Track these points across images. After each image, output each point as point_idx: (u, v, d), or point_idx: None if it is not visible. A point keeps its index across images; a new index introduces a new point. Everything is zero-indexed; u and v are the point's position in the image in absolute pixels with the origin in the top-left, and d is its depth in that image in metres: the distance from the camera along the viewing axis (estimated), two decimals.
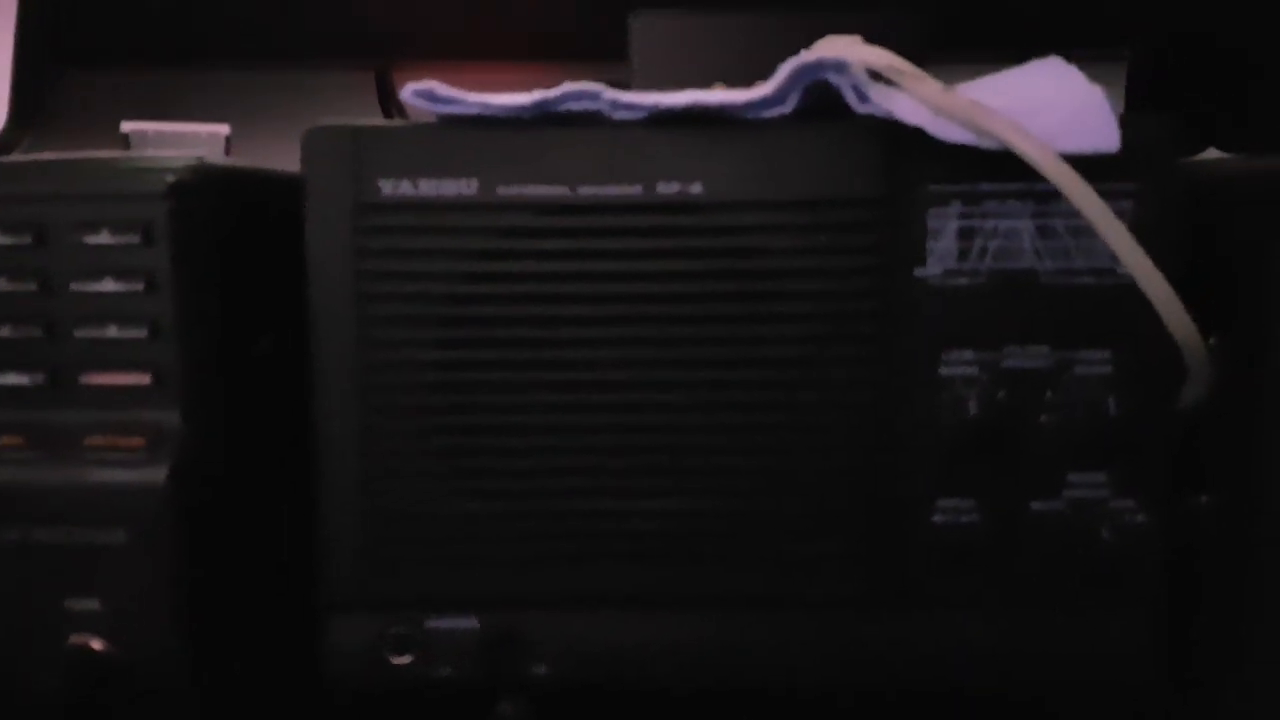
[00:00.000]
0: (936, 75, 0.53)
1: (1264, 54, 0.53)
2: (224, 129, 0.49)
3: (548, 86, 0.39)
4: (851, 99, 0.39)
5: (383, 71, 0.81)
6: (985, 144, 0.37)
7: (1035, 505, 0.40)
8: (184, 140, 0.49)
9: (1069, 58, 0.81)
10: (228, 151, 0.50)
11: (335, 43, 0.75)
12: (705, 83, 0.53)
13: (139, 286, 0.38)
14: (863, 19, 0.52)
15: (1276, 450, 0.39)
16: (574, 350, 0.40)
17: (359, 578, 0.42)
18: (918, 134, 0.38)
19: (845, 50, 0.44)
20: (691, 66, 0.53)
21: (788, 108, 0.40)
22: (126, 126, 0.49)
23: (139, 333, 0.39)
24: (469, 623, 0.42)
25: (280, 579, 0.44)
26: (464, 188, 0.39)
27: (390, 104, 0.82)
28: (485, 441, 0.40)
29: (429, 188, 0.39)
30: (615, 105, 0.39)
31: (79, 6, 0.64)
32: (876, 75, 0.41)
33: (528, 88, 0.40)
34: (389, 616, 0.42)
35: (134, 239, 0.38)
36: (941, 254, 0.40)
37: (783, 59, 0.41)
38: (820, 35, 0.49)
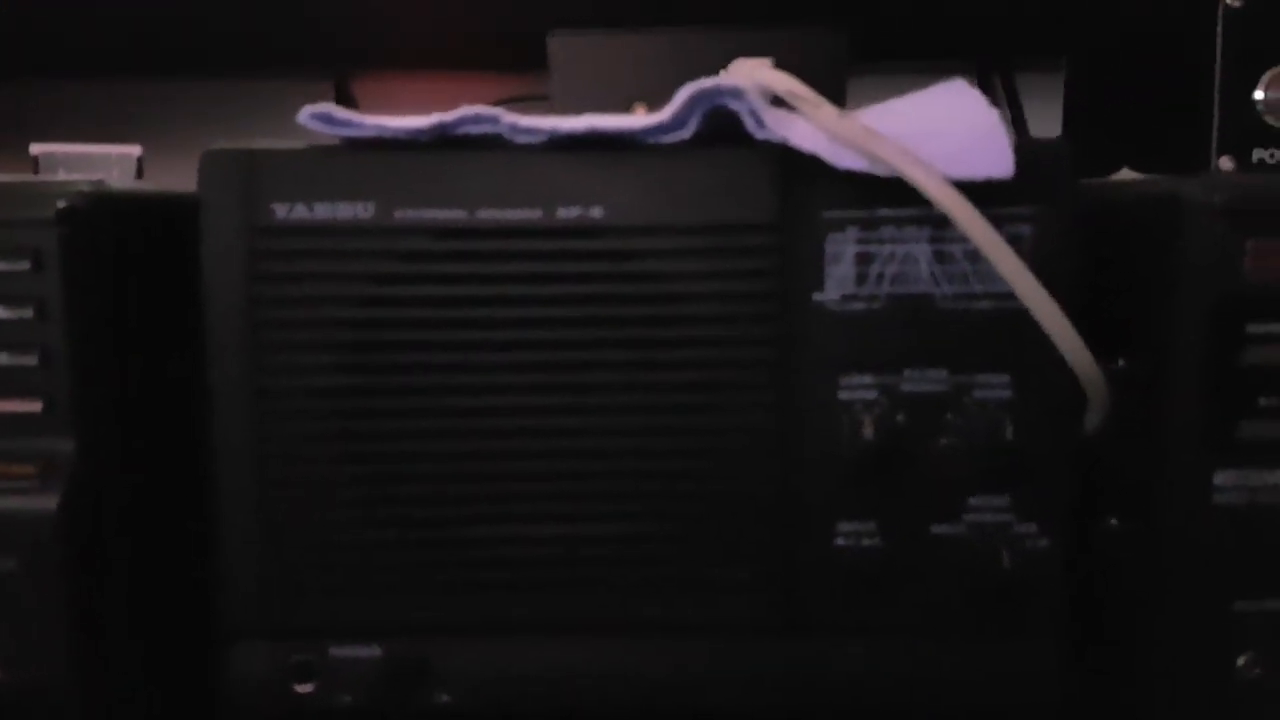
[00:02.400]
0: (864, 87, 0.53)
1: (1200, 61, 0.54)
2: (135, 150, 0.49)
3: (506, 96, 0.39)
4: (750, 125, 0.39)
5: (341, 82, 0.81)
6: (879, 170, 0.37)
7: (936, 529, 0.40)
8: (94, 162, 0.49)
9: (1005, 67, 0.82)
10: (140, 173, 0.50)
11: (293, 54, 0.75)
12: (625, 101, 0.53)
13: (29, 314, 0.38)
14: (783, 36, 0.53)
15: (1179, 472, 0.39)
16: (474, 376, 0.40)
17: (260, 605, 0.41)
18: (815, 160, 0.38)
19: (751, 73, 0.45)
20: (611, 85, 0.53)
21: (687, 133, 0.40)
22: (35, 149, 0.48)
23: (29, 360, 0.38)
24: (372, 651, 0.41)
25: (181, 606, 0.43)
26: (360, 211, 0.39)
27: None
28: (385, 468, 0.40)
29: (324, 211, 0.39)
30: (515, 129, 0.39)
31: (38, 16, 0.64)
32: (780, 100, 0.42)
33: (486, 98, 0.39)
34: (291, 644, 0.41)
35: (24, 265, 0.38)
36: (839, 279, 0.40)
37: (701, 76, 0.41)
38: (740, 53, 0.49)
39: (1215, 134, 0.53)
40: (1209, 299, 0.38)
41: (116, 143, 0.54)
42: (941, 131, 0.38)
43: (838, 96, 0.52)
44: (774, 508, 0.41)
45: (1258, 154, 0.53)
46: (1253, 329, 0.38)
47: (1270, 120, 0.53)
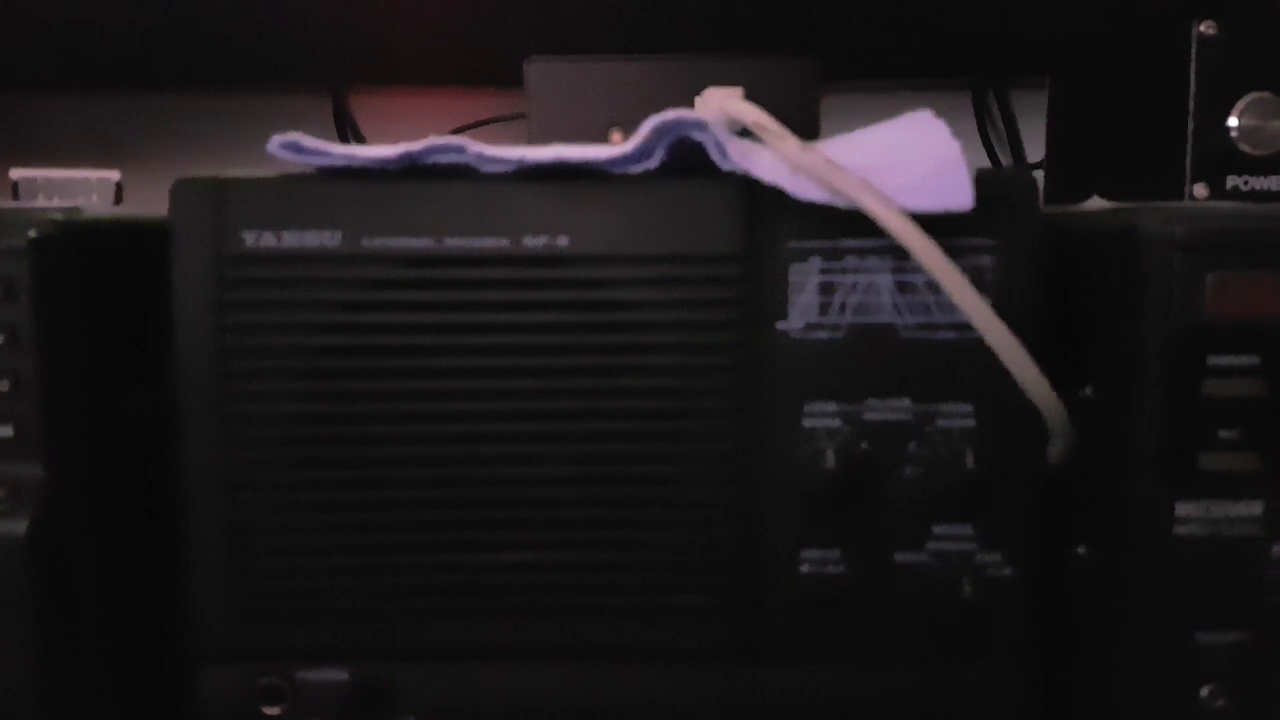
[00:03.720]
0: (839, 106, 0.53)
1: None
2: (114, 174, 0.50)
3: (503, 112, 0.39)
4: (715, 156, 0.40)
5: (339, 96, 0.82)
6: (840, 203, 0.38)
7: (900, 557, 0.41)
8: (73, 187, 0.49)
9: (1000, 86, 0.82)
10: (120, 197, 0.50)
11: (290, 67, 0.76)
12: (601, 127, 0.54)
13: (0, 340, 0.38)
14: (756, 64, 0.53)
15: (1140, 502, 0.39)
16: (440, 403, 0.40)
17: (229, 628, 0.41)
18: (779, 190, 0.39)
19: (720, 103, 0.45)
20: (587, 111, 0.53)
21: (654, 163, 0.40)
22: (15, 174, 0.49)
23: (1, 386, 0.38)
24: (338, 674, 0.42)
25: (150, 630, 0.44)
26: (327, 239, 0.39)
27: (346, 128, 0.82)
28: (351, 494, 0.40)
29: (292, 239, 0.39)
30: (482, 158, 0.40)
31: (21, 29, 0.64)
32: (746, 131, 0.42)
33: (482, 113, 0.40)
34: (259, 667, 0.42)
35: None
36: (803, 308, 0.40)
37: (676, 103, 0.41)
38: (715, 81, 0.49)
39: (1189, 161, 0.53)
40: (1169, 331, 0.38)
41: (108, 160, 0.55)
42: (903, 163, 0.39)
43: (810, 123, 0.52)
44: (738, 535, 0.41)
45: (1232, 181, 0.53)
46: (1213, 361, 0.38)
47: (1244, 147, 0.53)
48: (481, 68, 0.71)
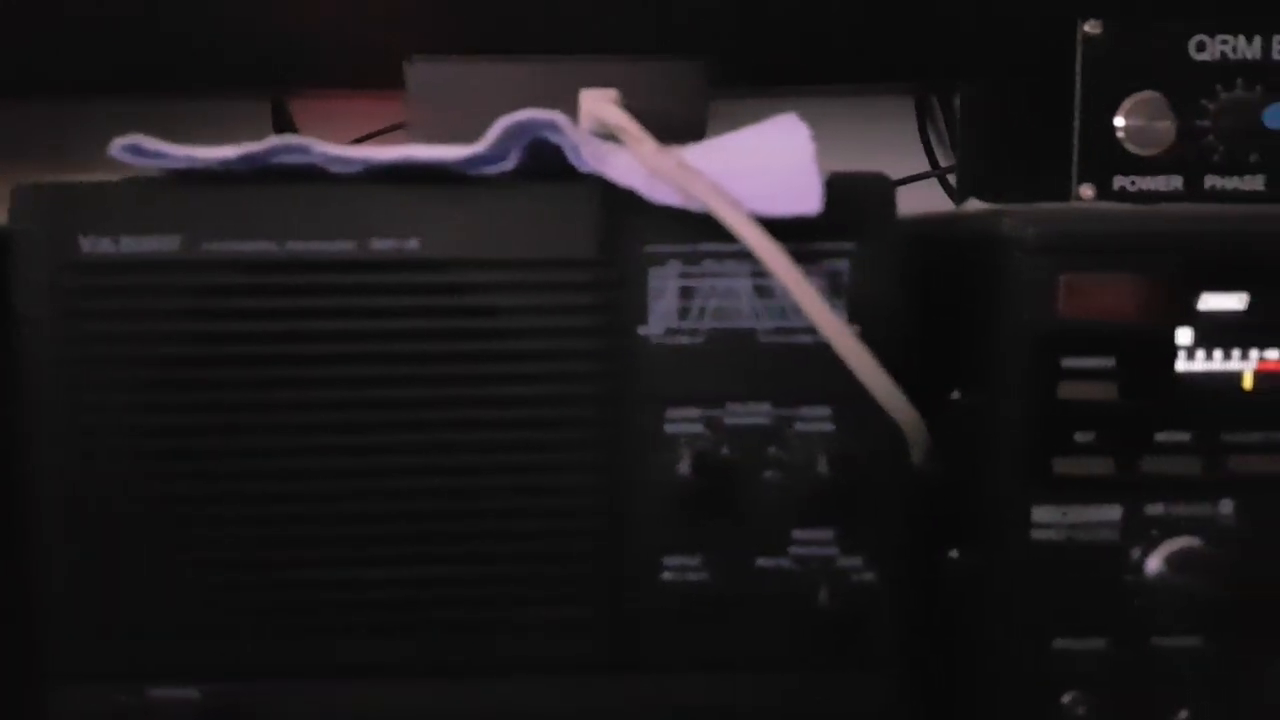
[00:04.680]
0: (728, 113, 0.52)
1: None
2: None
3: None
4: (574, 158, 0.39)
5: (279, 101, 0.80)
6: (693, 206, 0.37)
7: (761, 562, 0.40)
8: None
9: (944, 89, 0.82)
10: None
11: (230, 72, 0.74)
12: (483, 130, 0.53)
13: None
14: (640, 66, 0.52)
15: (999, 506, 0.39)
16: (289, 414, 0.39)
17: (79, 647, 0.40)
18: (637, 194, 0.38)
19: (588, 105, 0.45)
20: (469, 113, 0.52)
21: (510, 165, 0.39)
22: None
23: None
24: (189, 693, 0.40)
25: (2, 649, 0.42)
26: (165, 244, 0.38)
27: (287, 133, 0.80)
28: (201, 509, 0.39)
29: (131, 245, 0.38)
30: (328, 159, 0.38)
31: None
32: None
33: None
34: (110, 686, 0.40)
35: None
36: (663, 313, 0.39)
37: (562, 105, 0.40)
38: (600, 83, 0.49)
39: (1075, 162, 0.53)
40: (1025, 333, 0.38)
41: (47, 167, 0.53)
42: (759, 167, 0.38)
43: (697, 126, 0.51)
44: (603, 544, 0.40)
45: (1119, 181, 0.53)
46: (1068, 364, 0.37)
47: (1131, 147, 0.53)
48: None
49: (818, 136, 0.39)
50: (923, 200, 0.74)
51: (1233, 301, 0.38)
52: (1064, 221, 0.37)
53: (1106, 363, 0.37)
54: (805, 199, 0.36)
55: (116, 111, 0.79)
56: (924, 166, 0.80)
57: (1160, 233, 0.38)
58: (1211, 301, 0.38)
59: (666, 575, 0.40)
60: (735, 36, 0.67)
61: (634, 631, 0.40)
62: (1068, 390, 0.37)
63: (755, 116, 0.43)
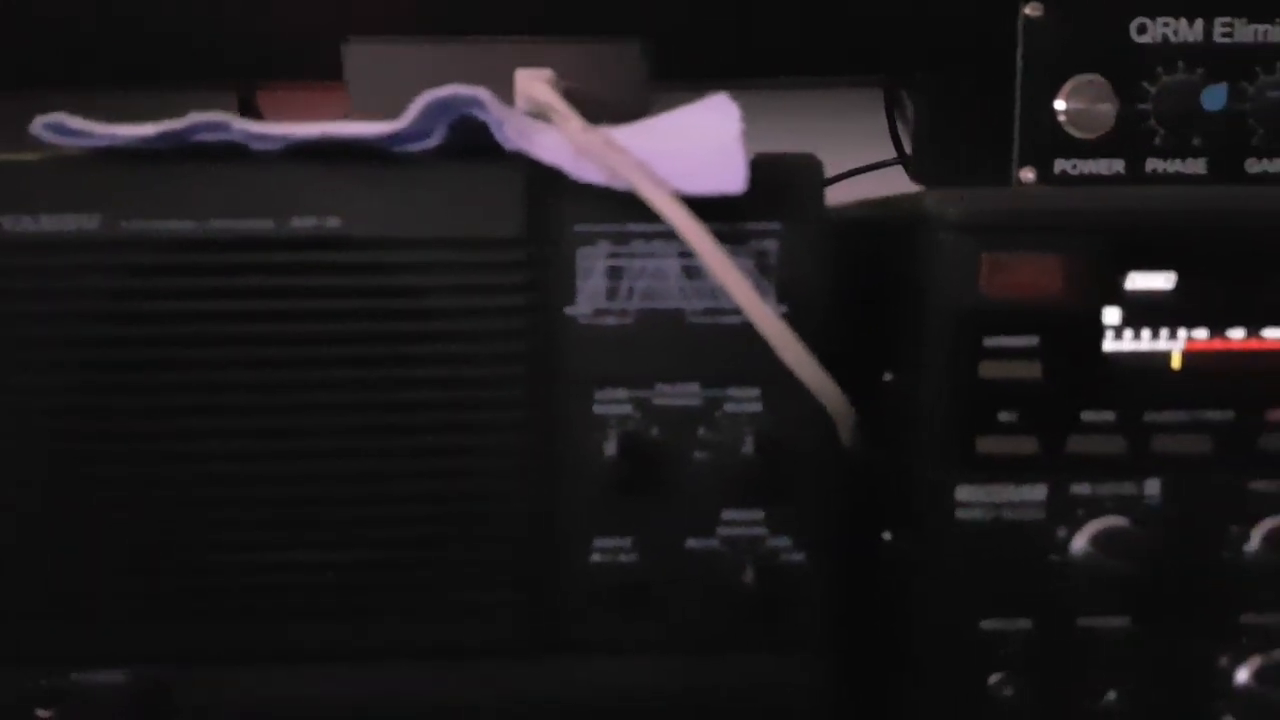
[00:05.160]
0: (752, 103, 0.52)
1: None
2: None
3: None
4: (498, 134, 0.38)
5: (246, 93, 0.79)
6: (618, 185, 0.37)
7: (690, 543, 0.40)
8: None
9: (894, 80, 0.82)
10: None
11: (197, 64, 0.73)
12: None
13: None
14: (579, 47, 0.52)
15: (924, 486, 0.39)
16: (209, 396, 0.38)
17: (1, 631, 0.40)
18: (564, 173, 0.37)
19: (521, 85, 0.44)
20: (407, 95, 0.52)
21: (434, 142, 0.39)
22: None
23: None
24: (114, 677, 0.40)
25: None
26: (85, 223, 0.37)
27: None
28: (120, 492, 0.39)
29: (50, 223, 0.38)
30: (249, 136, 0.38)
31: None
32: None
33: None
34: (34, 669, 0.40)
35: None
36: (591, 293, 0.39)
37: (499, 87, 0.40)
38: (537, 64, 0.48)
39: (1016, 145, 0.53)
40: (947, 311, 0.37)
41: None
42: (685, 147, 0.38)
43: (637, 108, 0.51)
44: (532, 527, 0.40)
45: (1060, 165, 0.53)
46: (990, 342, 0.37)
47: (1072, 131, 0.53)
48: None
49: (789, 128, 0.39)
50: (892, 191, 0.75)
51: (1160, 281, 0.38)
52: (985, 200, 0.37)
53: (1030, 341, 0.37)
54: (729, 177, 0.36)
55: (83, 107, 0.79)
56: (889, 156, 0.80)
57: (1086, 211, 0.38)
58: (1139, 281, 0.38)
59: (596, 557, 0.40)
60: (684, 24, 0.67)
61: (563, 614, 0.40)
62: (990, 369, 0.37)
63: None
